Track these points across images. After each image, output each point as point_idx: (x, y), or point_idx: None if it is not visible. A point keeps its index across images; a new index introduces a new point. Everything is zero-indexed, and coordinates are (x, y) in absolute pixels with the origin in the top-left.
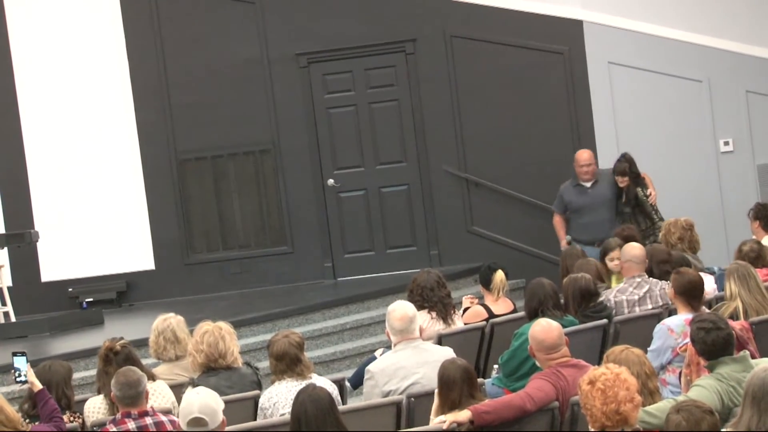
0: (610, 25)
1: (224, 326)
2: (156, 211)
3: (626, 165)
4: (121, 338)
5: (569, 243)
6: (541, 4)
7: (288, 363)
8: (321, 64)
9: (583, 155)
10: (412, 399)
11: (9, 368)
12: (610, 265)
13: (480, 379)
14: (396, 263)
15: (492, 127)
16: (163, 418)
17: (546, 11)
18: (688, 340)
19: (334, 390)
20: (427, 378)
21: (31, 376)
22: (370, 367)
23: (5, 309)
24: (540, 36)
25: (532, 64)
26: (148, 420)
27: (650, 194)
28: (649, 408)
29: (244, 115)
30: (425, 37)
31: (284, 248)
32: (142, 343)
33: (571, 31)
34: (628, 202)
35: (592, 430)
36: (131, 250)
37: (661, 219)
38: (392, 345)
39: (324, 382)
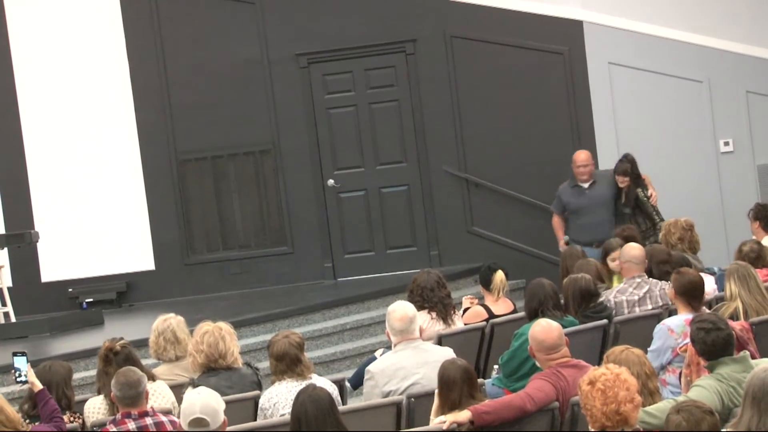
0: (610, 25)
1: (224, 326)
2: (156, 212)
3: (628, 165)
4: (121, 338)
5: (567, 243)
6: (541, 5)
7: (288, 363)
8: (321, 65)
9: (581, 156)
10: (412, 399)
11: (9, 368)
12: (612, 265)
13: (480, 380)
14: (396, 263)
15: (492, 127)
16: (163, 418)
17: (546, 11)
18: (688, 340)
19: (334, 390)
20: (427, 378)
21: (32, 377)
22: (370, 367)
23: (5, 309)
24: (540, 36)
25: (532, 65)
26: (148, 420)
27: (651, 195)
28: (649, 408)
29: (244, 116)
30: (425, 37)
31: (284, 248)
32: (142, 343)
33: (571, 31)
34: (628, 202)
35: (592, 430)
36: (131, 250)
37: (662, 220)
38: (392, 345)
39: (324, 382)
